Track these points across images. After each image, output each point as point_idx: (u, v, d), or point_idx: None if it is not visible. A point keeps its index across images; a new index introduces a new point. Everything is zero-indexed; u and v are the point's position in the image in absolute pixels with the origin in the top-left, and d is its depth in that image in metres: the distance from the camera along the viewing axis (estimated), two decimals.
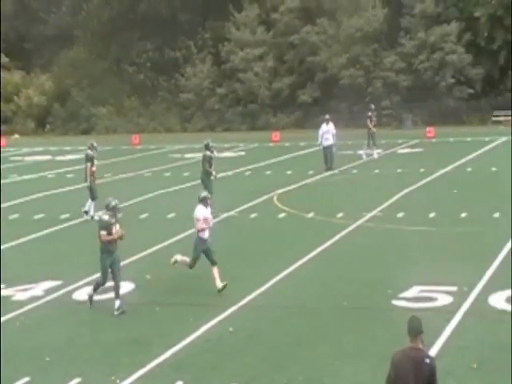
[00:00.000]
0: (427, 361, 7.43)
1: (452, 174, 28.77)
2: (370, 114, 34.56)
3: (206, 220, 14.75)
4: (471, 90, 47.49)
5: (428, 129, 42.63)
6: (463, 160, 31.81)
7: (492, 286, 14.29)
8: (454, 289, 14.22)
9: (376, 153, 34.17)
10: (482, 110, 47.76)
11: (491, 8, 47.01)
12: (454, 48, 47.51)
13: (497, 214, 20.64)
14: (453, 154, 33.37)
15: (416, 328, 7.47)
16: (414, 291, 14.24)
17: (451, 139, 40.41)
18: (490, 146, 36.84)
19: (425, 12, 48.72)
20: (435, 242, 18.24)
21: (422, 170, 29.40)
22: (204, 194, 15.19)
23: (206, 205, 14.91)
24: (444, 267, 15.73)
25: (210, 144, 22.83)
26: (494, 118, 47.05)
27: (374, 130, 34.02)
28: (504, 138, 39.19)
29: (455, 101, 47.73)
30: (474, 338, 12.01)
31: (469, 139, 39.66)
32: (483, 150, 35.39)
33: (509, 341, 11.77)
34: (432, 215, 21.00)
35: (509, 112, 46.49)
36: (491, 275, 15.04)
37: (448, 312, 13.12)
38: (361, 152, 34.50)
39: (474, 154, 33.66)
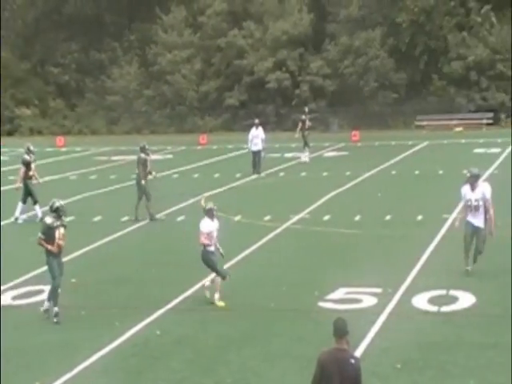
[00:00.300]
0: (352, 361, 7.56)
1: (377, 177, 29.21)
2: (303, 117, 34.71)
3: (209, 234, 14.08)
4: (395, 95, 48.28)
5: (353, 132, 43.17)
6: (388, 163, 32.32)
7: (415, 288, 14.57)
8: (378, 290, 14.46)
9: (304, 156, 34.37)
10: (406, 115, 48.55)
11: (413, 14, 47.89)
12: (378, 53, 48.27)
13: (420, 217, 21.04)
14: (378, 158, 33.87)
15: (341, 329, 7.59)
16: (339, 293, 14.43)
17: (376, 143, 41.02)
18: (414, 149, 37.51)
19: (349, 17, 49.35)
20: (361, 244, 18.51)
21: (348, 173, 29.77)
22: (209, 205, 14.32)
23: (211, 217, 14.19)
24: (369, 269, 15.98)
25: (146, 146, 22.75)
26: (417, 123, 47.87)
27: (297, 135, 34.22)
28: (426, 142, 39.97)
29: (379, 105, 48.46)
30: (399, 338, 12.23)
31: (393, 143, 40.31)
32: (407, 153, 36.01)
33: (432, 340, 12.04)
34: (357, 218, 21.30)
35: (431, 117, 47.41)
36: (414, 277, 15.33)
37: (373, 313, 13.33)
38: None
39: (398, 158, 34.23)
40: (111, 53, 55.00)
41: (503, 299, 13.75)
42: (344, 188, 26.44)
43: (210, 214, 14.22)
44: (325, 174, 30.19)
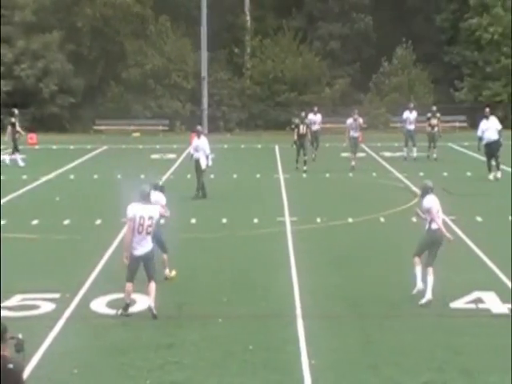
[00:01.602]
0: (10, 366, 7.35)
1: (55, 181, 28.88)
2: (13, 119, 33.48)
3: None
4: (73, 99, 48.01)
5: (30, 135, 42.24)
6: (66, 167, 32.09)
7: (94, 292, 14.65)
8: (56, 296, 14.34)
9: (11, 158, 33.06)
10: (84, 119, 48.57)
11: (92, 19, 48.03)
12: (57, 56, 47.71)
13: (99, 221, 21.16)
14: (56, 161, 33.48)
15: None
16: (15, 300, 14.10)
17: (54, 146, 40.53)
18: (93, 153, 37.60)
19: (24, 20, 48.17)
20: (38, 249, 18.21)
21: (24, 176, 29.11)
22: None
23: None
24: (47, 274, 15.79)
25: None
26: (95, 127, 48.05)
27: (6, 138, 33.05)
28: (105, 147, 40.26)
29: (59, 108, 47.89)
30: (77, 343, 12.23)
31: (72, 147, 40.08)
32: (86, 157, 36.02)
33: (110, 343, 12.19)
34: (35, 222, 20.92)
35: (110, 122, 47.81)
36: (93, 281, 15.40)
37: (51, 319, 13.20)
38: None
39: (77, 162, 34.12)
40: None
41: (174, 301, 14.26)
42: (20, 192, 25.83)
43: (163, 189, 15.74)
44: (1, 177, 29.25)
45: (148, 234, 13.33)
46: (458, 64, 50.37)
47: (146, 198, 13.55)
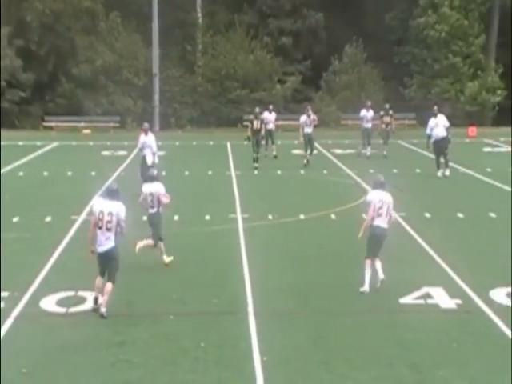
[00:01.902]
0: None
1: (3, 178, 28.49)
2: None
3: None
4: (22, 94, 47.40)
5: None
6: (15, 164, 31.69)
7: (44, 290, 14.50)
8: (5, 294, 14.17)
9: None
10: (33, 115, 47.99)
11: (42, 15, 47.46)
12: (5, 52, 47.06)
13: (48, 219, 20.95)
14: (4, 158, 32.94)
15: None
16: None
17: (2, 143, 39.90)
18: (42, 150, 37.19)
19: None
20: None
21: None
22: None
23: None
24: None
25: None
26: (45, 124, 47.50)
27: None
28: (55, 144, 39.86)
29: (7, 104, 47.24)
30: (26, 342, 12.10)
31: (20, 143, 39.61)
32: (35, 154, 35.61)
33: (61, 342, 12.08)
34: None
35: (60, 118, 47.25)
36: (42, 279, 15.25)
37: None
38: None
39: (26, 159, 33.72)
40: None
41: (125, 298, 14.17)
42: None
43: (158, 177, 16.44)
44: None
45: (108, 230, 13.14)
46: (407, 62, 50.92)
47: (110, 195, 13.43)
